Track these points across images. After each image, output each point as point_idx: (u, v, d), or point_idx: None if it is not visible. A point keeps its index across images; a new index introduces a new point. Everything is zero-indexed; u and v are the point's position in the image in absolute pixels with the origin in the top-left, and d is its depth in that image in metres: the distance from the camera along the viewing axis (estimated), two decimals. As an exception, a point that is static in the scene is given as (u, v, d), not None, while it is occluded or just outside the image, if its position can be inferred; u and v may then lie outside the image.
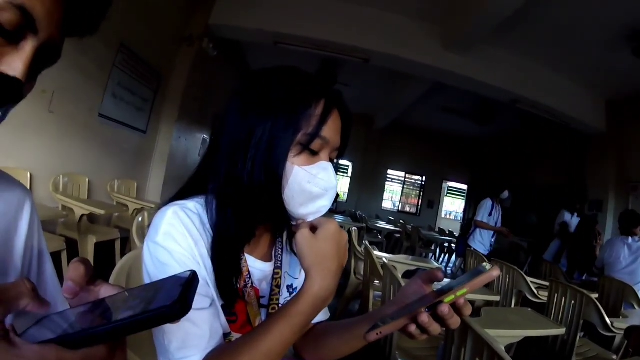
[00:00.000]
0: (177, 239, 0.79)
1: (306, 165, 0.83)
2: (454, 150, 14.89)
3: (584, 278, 5.27)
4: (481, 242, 6.25)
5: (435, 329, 0.75)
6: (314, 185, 0.83)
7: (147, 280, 0.79)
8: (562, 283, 3.40)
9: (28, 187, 2.50)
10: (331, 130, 0.85)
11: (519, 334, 2.32)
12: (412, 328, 0.75)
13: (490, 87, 7.53)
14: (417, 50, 7.01)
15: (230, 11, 6.83)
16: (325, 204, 0.87)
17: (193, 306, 0.71)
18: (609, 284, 4.19)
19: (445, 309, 0.72)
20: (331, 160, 0.89)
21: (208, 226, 0.85)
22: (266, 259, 0.99)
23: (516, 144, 12.37)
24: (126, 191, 5.70)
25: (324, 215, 0.87)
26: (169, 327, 0.75)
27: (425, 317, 0.73)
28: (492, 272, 0.72)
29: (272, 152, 0.81)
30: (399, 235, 10.07)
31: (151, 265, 0.79)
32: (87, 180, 4.87)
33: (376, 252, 4.02)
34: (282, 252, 1.03)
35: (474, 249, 5.94)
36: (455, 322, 0.75)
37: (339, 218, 8.68)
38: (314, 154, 0.85)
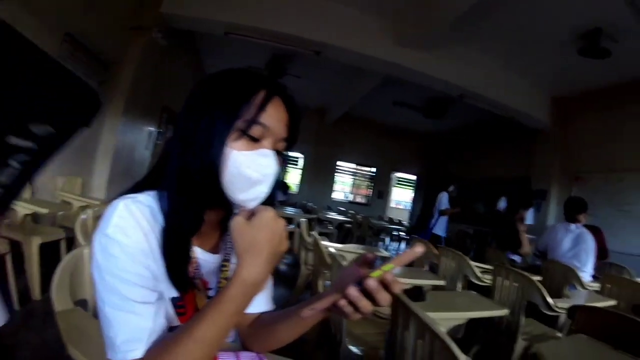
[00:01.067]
0: (127, 232, 0.78)
1: (245, 150, 0.84)
2: (404, 142, 15.14)
3: (519, 261, 5.42)
4: (441, 228, 7.52)
5: (365, 305, 0.80)
6: (253, 170, 0.84)
7: (95, 274, 0.78)
8: (506, 266, 3.49)
9: None
10: (272, 119, 0.87)
11: (462, 316, 2.35)
12: (343, 302, 0.81)
13: (440, 81, 7.69)
14: (369, 44, 7.06)
15: (182, 0, 6.66)
16: (264, 189, 0.87)
17: (140, 300, 0.78)
18: (552, 267, 4.32)
19: (371, 282, 0.77)
20: (279, 152, 0.91)
21: (160, 219, 0.86)
22: (215, 250, 1.02)
23: (466, 137, 12.77)
24: (70, 188, 5.44)
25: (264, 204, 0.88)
26: (116, 321, 0.76)
27: (352, 291, 0.79)
28: (416, 248, 0.77)
29: (212, 139, 0.83)
30: (349, 226, 10.14)
31: (101, 258, 0.78)
32: None
33: (326, 243, 4.02)
34: (230, 244, 1.04)
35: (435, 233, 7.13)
36: (383, 297, 0.78)
37: (290, 210, 8.66)
38: (255, 140, 0.86)
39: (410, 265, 4.92)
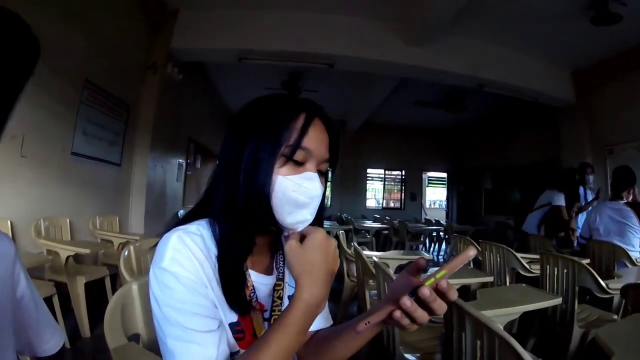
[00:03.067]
0: (182, 263, 0.80)
1: (291, 175, 0.86)
2: (430, 141, 15.01)
3: (574, 246, 5.29)
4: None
5: (421, 315, 0.77)
6: (299, 193, 0.86)
7: (155, 307, 0.81)
8: (552, 254, 3.41)
9: (10, 235, 2.49)
10: (313, 141, 0.88)
11: (516, 310, 2.31)
12: (398, 314, 0.78)
13: (455, 75, 7.61)
14: (380, 49, 7.09)
15: (191, 34, 6.82)
16: (312, 211, 0.89)
17: (202, 329, 0.78)
18: (599, 248, 4.23)
19: (425, 291, 0.74)
20: (322, 173, 0.92)
21: (212, 247, 0.88)
22: (268, 272, 1.02)
23: (491, 126, 12.55)
24: (108, 227, 5.59)
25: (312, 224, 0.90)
26: (179, 352, 0.77)
27: (407, 301, 0.76)
28: (468, 252, 0.76)
29: (259, 167, 0.85)
30: (387, 232, 10.09)
31: (158, 291, 0.80)
32: (68, 221, 4.75)
33: (366, 252, 4.00)
34: (283, 264, 1.04)
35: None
36: (439, 306, 0.77)
37: (326, 224, 8.61)
38: (299, 164, 0.87)
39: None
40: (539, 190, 6.27)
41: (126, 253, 2.45)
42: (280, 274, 1.03)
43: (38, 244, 3.97)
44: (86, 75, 5.10)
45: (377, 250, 4.84)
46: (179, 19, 6.89)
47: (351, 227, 9.03)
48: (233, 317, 0.90)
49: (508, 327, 2.46)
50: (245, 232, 0.89)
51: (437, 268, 0.78)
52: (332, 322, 1.16)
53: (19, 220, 3.95)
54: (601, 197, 5.45)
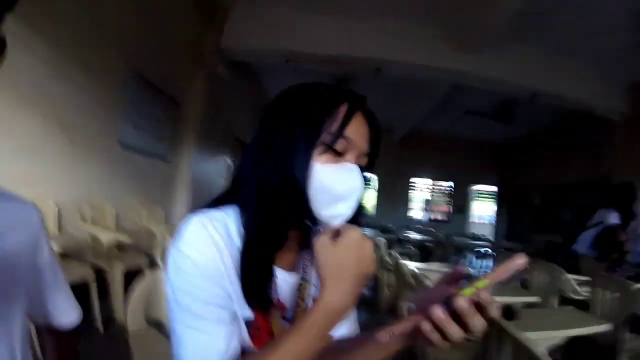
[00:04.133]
0: (200, 248, 0.76)
1: (330, 163, 0.81)
2: (479, 153, 14.62)
3: (618, 269, 5.02)
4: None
5: (454, 331, 0.67)
6: (337, 184, 0.80)
7: (168, 289, 0.77)
8: (605, 275, 3.23)
9: (55, 217, 3.15)
10: (355, 133, 0.83)
11: (561, 334, 2.18)
12: (427, 326, 0.68)
13: (507, 83, 7.43)
14: (428, 55, 7.03)
15: (241, 33, 6.97)
16: (350, 206, 0.83)
17: (214, 319, 0.75)
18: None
19: (461, 301, 0.65)
20: (361, 167, 0.85)
21: (235, 236, 0.83)
22: (292, 269, 0.95)
23: (542, 142, 12.05)
24: (153, 219, 5.68)
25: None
26: (187, 340, 0.74)
27: (438, 312, 0.67)
28: (517, 259, 0.65)
29: (296, 152, 0.80)
30: (431, 245, 9.92)
31: (173, 273, 0.76)
32: (113, 209, 4.88)
33: (407, 262, 3.91)
34: (309, 263, 0.99)
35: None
36: (477, 322, 0.67)
37: (368, 231, 8.59)
38: (339, 155, 0.82)
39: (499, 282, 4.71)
40: (591, 208, 5.98)
41: (166, 244, 2.44)
42: (306, 274, 0.97)
43: (81, 228, 4.07)
44: (135, 68, 5.25)
45: (419, 263, 4.71)
46: (230, 17, 7.04)
47: (394, 236, 8.93)
48: (250, 314, 0.84)
49: (552, 352, 2.30)
50: (278, 223, 0.83)
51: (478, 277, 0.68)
52: (358, 330, 1.08)
53: (63, 203, 4.04)
54: None
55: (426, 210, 15.42)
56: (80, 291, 3.25)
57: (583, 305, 3.23)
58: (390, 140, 13.91)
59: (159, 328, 1.27)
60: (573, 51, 7.06)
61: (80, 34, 4.17)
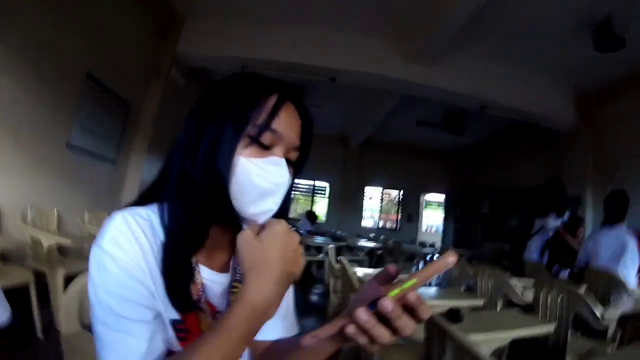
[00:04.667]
0: (122, 245, 0.72)
1: (255, 158, 0.77)
2: (430, 162, 14.88)
3: (566, 274, 5.14)
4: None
5: (381, 333, 0.63)
6: (264, 179, 0.77)
7: (90, 288, 0.72)
8: (547, 279, 3.28)
9: None
10: (285, 125, 0.80)
11: (505, 336, 2.17)
12: (350, 328, 0.64)
13: (457, 94, 7.60)
14: (381, 65, 7.14)
15: (197, 39, 6.98)
16: (276, 201, 0.81)
17: (135, 317, 0.70)
18: (595, 275, 4.10)
19: (386, 303, 0.60)
20: (290, 162, 0.83)
21: (160, 234, 0.79)
22: (224, 270, 0.91)
23: (491, 149, 12.36)
24: (97, 224, 5.44)
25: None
26: (108, 340, 0.70)
27: (361, 314, 0.62)
28: (447, 258, 0.60)
29: (219, 146, 0.77)
30: (381, 252, 9.96)
31: (95, 272, 0.72)
32: (55, 211, 4.78)
33: (356, 268, 3.87)
34: None
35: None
36: (404, 324, 0.62)
37: (319, 239, 8.60)
38: (266, 148, 0.79)
39: (444, 286, 4.73)
40: (538, 216, 6.12)
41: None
42: (239, 275, 0.91)
43: (23, 231, 3.94)
44: (88, 70, 5.17)
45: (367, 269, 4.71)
46: (186, 25, 7.07)
47: (344, 243, 8.93)
48: (176, 314, 0.79)
49: (496, 354, 2.29)
50: (198, 219, 0.79)
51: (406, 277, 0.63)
52: (297, 332, 1.02)
53: (7, 205, 4.01)
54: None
55: (377, 218, 15.51)
56: (20, 296, 3.16)
57: (529, 310, 3.26)
58: (345, 149, 14.13)
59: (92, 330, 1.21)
60: (521, 63, 7.29)
61: (31, 32, 4.10)
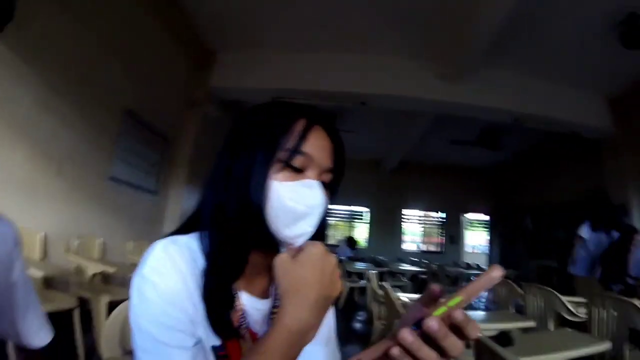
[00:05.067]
0: (163, 273, 0.73)
1: (288, 181, 0.78)
2: (469, 181, 14.59)
3: (618, 288, 4.94)
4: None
5: (428, 355, 0.58)
6: (298, 202, 0.77)
7: (131, 317, 0.73)
8: (602, 294, 3.14)
9: (42, 247, 3.33)
10: (315, 148, 0.80)
11: (560, 357, 2.07)
12: (395, 350, 0.59)
13: (491, 110, 7.48)
14: (411, 86, 7.14)
15: (229, 73, 7.25)
16: (311, 223, 0.80)
17: (175, 344, 0.70)
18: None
19: (432, 323, 0.56)
20: (324, 184, 0.83)
21: (200, 261, 0.79)
22: (264, 296, 0.91)
23: (531, 164, 12.05)
24: (139, 253, 5.61)
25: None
26: None
27: (406, 335, 0.58)
28: (492, 272, 0.57)
29: (253, 172, 0.78)
30: (424, 276, 9.80)
31: (135, 299, 0.73)
32: (100, 241, 4.96)
33: (399, 294, 3.80)
34: None
35: None
36: (451, 344, 0.57)
37: (359, 265, 8.53)
38: (298, 171, 0.79)
39: (492, 308, 4.59)
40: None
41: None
42: (279, 300, 0.86)
43: (68, 259, 4.12)
44: (126, 107, 5.40)
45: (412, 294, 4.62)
46: (219, 58, 7.34)
47: (386, 269, 8.82)
48: (217, 341, 0.79)
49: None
50: (236, 247, 0.79)
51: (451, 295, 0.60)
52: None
53: (52, 234, 4.13)
54: None
55: (419, 242, 15.30)
56: (63, 321, 3.23)
57: (581, 327, 3.14)
58: (380, 173, 14.03)
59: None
60: (553, 72, 7.16)
61: (72, 70, 4.30)
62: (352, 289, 7.80)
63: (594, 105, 7.86)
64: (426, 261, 11.19)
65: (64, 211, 4.44)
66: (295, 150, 0.78)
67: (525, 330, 3.19)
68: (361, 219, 14.51)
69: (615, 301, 2.87)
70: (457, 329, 0.58)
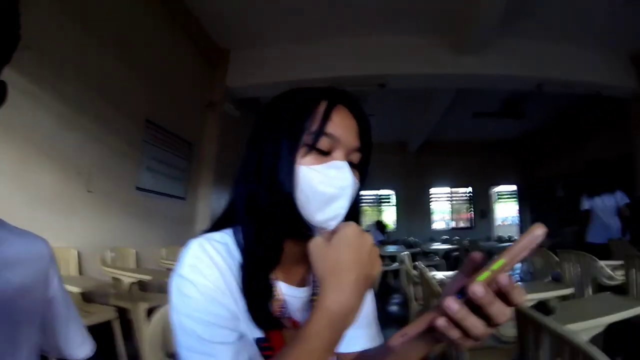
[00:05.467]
0: (202, 271, 0.73)
1: (316, 165, 0.77)
2: (495, 154, 14.39)
3: None
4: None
5: (474, 324, 0.58)
6: (327, 185, 0.77)
7: (173, 317, 0.73)
8: (636, 255, 3.10)
9: (76, 262, 3.46)
10: (339, 128, 0.80)
11: (600, 323, 2.06)
12: (441, 321, 0.60)
13: (510, 78, 7.32)
14: (430, 63, 7.03)
15: (244, 70, 7.21)
16: (343, 205, 0.79)
17: (218, 340, 0.70)
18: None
19: (476, 288, 0.56)
20: (353, 164, 0.82)
21: (236, 255, 0.80)
22: (302, 284, 0.90)
23: (557, 132, 11.81)
24: (173, 258, 5.61)
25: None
26: None
27: (452, 303, 0.58)
28: (534, 231, 0.55)
29: (279, 160, 0.78)
30: (457, 253, 9.76)
31: (176, 299, 0.73)
32: (134, 251, 5.01)
33: (434, 273, 3.80)
34: None
35: None
36: (498, 310, 0.57)
37: (391, 248, 8.52)
38: (325, 154, 0.79)
39: (527, 279, 4.56)
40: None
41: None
42: (317, 287, 0.86)
43: (104, 272, 4.12)
44: (146, 116, 5.41)
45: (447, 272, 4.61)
46: (232, 57, 7.31)
47: (418, 249, 8.80)
48: (260, 333, 0.79)
49: (593, 342, 2.18)
50: (271, 236, 0.80)
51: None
52: (382, 342, 0.99)
53: (86, 250, 4.18)
54: None
55: (448, 220, 15.23)
56: (104, 332, 3.35)
57: (620, 291, 3.11)
58: (404, 155, 13.96)
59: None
60: (573, 35, 6.97)
61: (90, 84, 4.32)
62: (385, 273, 7.82)
63: (618, 65, 7.62)
64: (457, 238, 11.12)
65: (96, 225, 4.49)
66: (320, 132, 0.78)
67: (564, 298, 3.18)
68: (388, 202, 14.46)
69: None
70: (502, 296, 0.58)
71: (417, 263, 4.19)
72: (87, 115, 4.28)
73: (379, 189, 14.19)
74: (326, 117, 0.78)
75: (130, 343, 3.55)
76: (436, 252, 9.16)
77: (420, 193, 14.34)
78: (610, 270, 3.50)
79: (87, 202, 4.33)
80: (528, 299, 2.84)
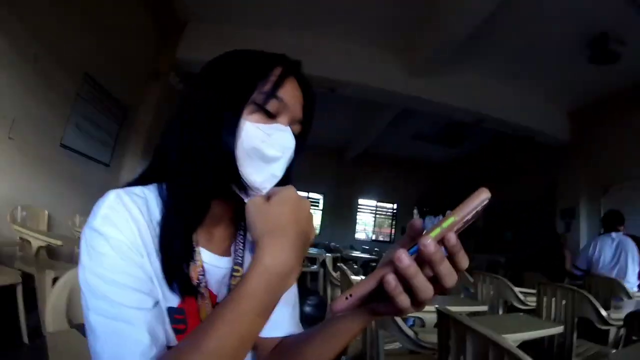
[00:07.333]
0: (117, 224, 0.66)
1: (261, 123, 0.76)
2: (425, 176, 14.91)
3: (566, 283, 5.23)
4: None
5: (424, 285, 0.54)
6: (269, 145, 0.76)
7: (80, 274, 0.64)
8: (551, 284, 3.27)
9: None
10: (289, 95, 0.80)
11: (518, 337, 2.13)
12: (390, 278, 0.53)
13: (454, 108, 7.67)
14: (382, 78, 7.17)
15: (197, 44, 6.91)
16: (280, 167, 0.79)
17: (131, 304, 0.62)
18: (595, 282, 4.21)
19: (428, 242, 0.51)
20: (294, 135, 0.81)
21: (157, 213, 0.75)
22: (225, 254, 0.86)
23: (486, 164, 12.35)
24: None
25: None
26: (103, 331, 0.60)
27: (403, 257, 0.52)
28: (481, 194, 0.54)
29: (224, 110, 0.75)
30: (374, 264, 9.91)
31: (85, 255, 0.64)
32: (46, 213, 4.66)
33: (353, 277, 3.83)
34: (243, 246, 0.89)
35: None
36: (448, 272, 0.54)
37: (312, 250, 8.53)
38: (271, 116, 0.78)
39: (443, 294, 4.69)
40: (534, 229, 6.32)
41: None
42: (240, 258, 0.87)
43: (12, 230, 3.81)
44: (86, 70, 5.14)
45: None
46: (187, 30, 7.05)
47: (339, 254, 8.89)
48: (174, 302, 0.73)
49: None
50: (197, 191, 0.76)
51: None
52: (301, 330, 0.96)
53: None
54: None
55: (370, 231, 15.47)
56: (5, 298, 3.08)
57: (530, 313, 3.27)
58: (341, 161, 14.20)
59: (81, 329, 1.14)
60: (518, 78, 7.39)
61: (36, 25, 4.09)
62: (304, 274, 7.81)
63: (554, 115, 8.25)
64: (377, 249, 11.30)
65: (12, 178, 4.18)
66: (272, 94, 0.76)
67: (476, 314, 3.28)
68: (317, 205, 14.55)
69: (565, 290, 3.00)
70: (448, 258, 0.55)
71: (339, 264, 4.22)
72: (26, 58, 4.03)
73: (308, 192, 14.21)
74: (280, 82, 0.78)
75: (32, 313, 3.26)
76: (356, 259, 9.26)
77: (348, 202, 14.60)
78: (522, 296, 3.68)
79: (6, 149, 4.02)
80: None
